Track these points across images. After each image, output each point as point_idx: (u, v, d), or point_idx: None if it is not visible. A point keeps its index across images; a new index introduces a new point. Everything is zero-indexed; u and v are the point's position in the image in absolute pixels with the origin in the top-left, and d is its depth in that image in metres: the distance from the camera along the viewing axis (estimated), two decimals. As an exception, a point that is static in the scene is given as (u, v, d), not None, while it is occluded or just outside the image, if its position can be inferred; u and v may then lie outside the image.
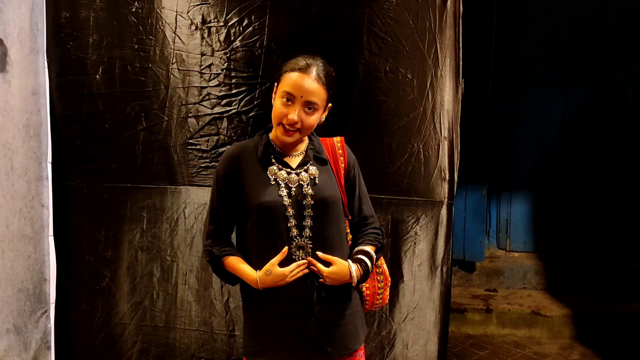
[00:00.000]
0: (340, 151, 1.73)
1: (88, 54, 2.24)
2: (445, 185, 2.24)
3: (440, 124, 2.20)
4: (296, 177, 1.60)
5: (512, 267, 4.11)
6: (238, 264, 1.62)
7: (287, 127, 1.55)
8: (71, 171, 2.30)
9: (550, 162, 4.14)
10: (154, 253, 2.31)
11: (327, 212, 1.61)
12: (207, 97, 2.24)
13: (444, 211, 2.24)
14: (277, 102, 1.57)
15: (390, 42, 2.16)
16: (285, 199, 1.57)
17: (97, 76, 2.24)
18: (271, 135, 1.66)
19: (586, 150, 4.11)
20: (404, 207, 2.24)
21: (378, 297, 1.75)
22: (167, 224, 2.30)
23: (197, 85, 2.24)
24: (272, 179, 1.59)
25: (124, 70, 2.23)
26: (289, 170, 1.61)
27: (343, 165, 1.71)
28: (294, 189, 1.59)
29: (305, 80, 1.53)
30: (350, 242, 1.72)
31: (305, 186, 1.60)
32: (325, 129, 1.74)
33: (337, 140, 1.76)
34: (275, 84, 1.59)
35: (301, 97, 1.53)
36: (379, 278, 1.76)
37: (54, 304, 2.30)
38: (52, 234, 2.30)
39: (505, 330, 3.68)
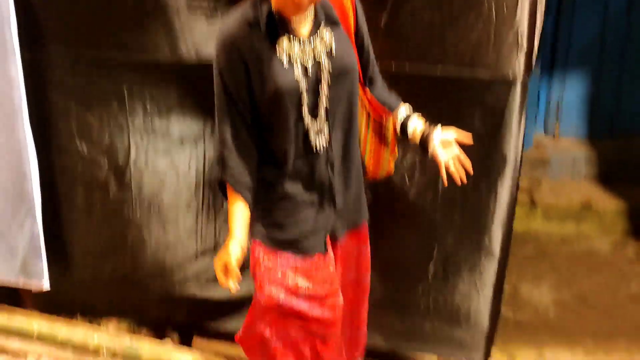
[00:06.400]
0: (349, 3, 1.39)
1: None
2: (522, 57, 1.71)
3: (521, -31, 1.64)
4: (310, 50, 1.30)
5: (560, 156, 3.66)
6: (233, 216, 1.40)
7: None
8: (46, 36, 1.85)
9: (615, 35, 3.51)
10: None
11: (345, 87, 1.36)
12: None
13: (517, 90, 1.74)
14: None
15: None
16: (302, 82, 1.29)
17: None
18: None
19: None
20: (467, 86, 1.74)
21: (383, 165, 1.61)
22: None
23: None
24: (285, 60, 1.28)
25: None
26: (301, 41, 1.30)
27: (353, 21, 1.40)
28: (309, 68, 1.30)
29: None
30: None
31: (325, 59, 1.31)
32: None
33: None
34: None
35: None
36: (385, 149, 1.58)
37: (39, 204, 1.95)
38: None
39: (552, 225, 3.33)
